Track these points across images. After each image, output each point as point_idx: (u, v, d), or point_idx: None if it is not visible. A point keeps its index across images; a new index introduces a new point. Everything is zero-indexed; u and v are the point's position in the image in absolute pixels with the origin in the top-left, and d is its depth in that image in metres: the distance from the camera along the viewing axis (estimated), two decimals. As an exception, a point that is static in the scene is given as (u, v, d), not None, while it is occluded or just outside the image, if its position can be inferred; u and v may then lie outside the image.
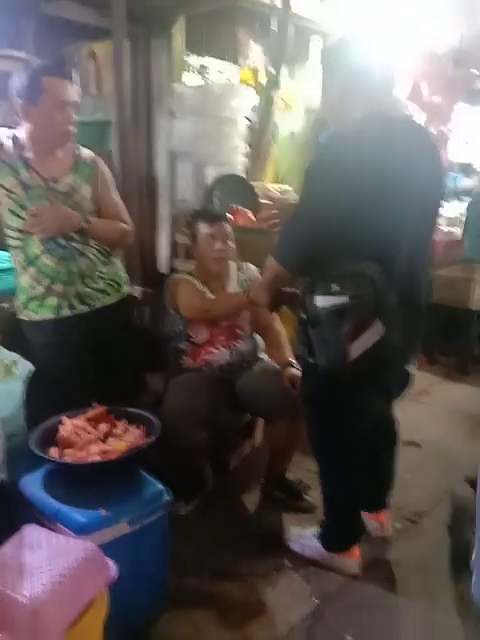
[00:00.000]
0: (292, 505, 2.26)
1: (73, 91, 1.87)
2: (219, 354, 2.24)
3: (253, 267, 2.35)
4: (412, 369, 1.76)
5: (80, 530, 1.42)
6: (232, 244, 2.24)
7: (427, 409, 3.27)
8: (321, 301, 1.48)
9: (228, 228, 2.23)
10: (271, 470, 2.31)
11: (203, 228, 2.18)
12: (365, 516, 2.06)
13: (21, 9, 2.62)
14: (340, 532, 1.90)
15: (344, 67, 1.57)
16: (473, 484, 1.80)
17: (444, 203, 4.67)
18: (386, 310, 1.51)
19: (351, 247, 1.48)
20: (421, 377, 3.70)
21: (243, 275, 2.35)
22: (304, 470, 2.34)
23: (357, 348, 1.48)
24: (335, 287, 1.47)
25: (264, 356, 2.37)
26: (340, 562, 1.87)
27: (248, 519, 2.22)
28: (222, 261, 2.22)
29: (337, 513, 1.88)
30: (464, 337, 3.85)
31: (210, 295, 2.20)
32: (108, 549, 1.40)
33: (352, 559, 1.88)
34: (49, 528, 1.44)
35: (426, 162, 1.58)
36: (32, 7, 2.65)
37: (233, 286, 2.29)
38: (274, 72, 3.03)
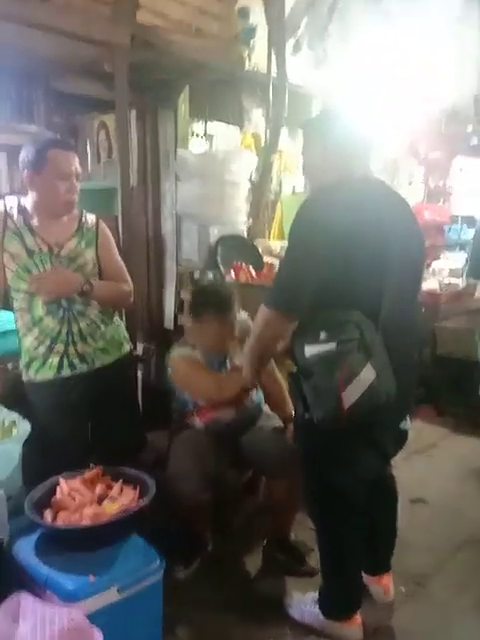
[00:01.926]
0: (294, 569, 2.21)
1: (76, 162, 1.97)
2: (226, 412, 2.23)
3: (245, 316, 2.32)
4: (406, 426, 1.75)
5: (68, 597, 1.41)
6: (236, 329, 2.19)
7: (435, 464, 3.21)
8: (309, 351, 1.52)
9: (234, 313, 2.18)
10: (274, 529, 2.27)
11: (212, 317, 2.11)
12: (367, 579, 2.01)
13: (32, 85, 2.80)
14: (339, 598, 1.84)
15: (325, 138, 1.67)
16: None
17: (447, 254, 4.74)
18: (375, 353, 1.52)
19: (336, 300, 1.54)
20: (430, 430, 3.66)
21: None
22: (307, 530, 2.29)
23: (351, 395, 1.48)
24: (322, 335, 1.51)
25: (265, 408, 2.38)
26: (340, 630, 1.81)
27: (248, 583, 2.16)
28: (225, 349, 2.23)
29: (336, 577, 1.84)
30: (473, 389, 3.80)
31: (220, 376, 2.18)
32: (96, 617, 1.39)
33: (353, 627, 1.82)
34: (39, 595, 1.44)
35: (401, 221, 1.64)
36: (42, 83, 2.83)
37: (237, 358, 2.24)
38: (272, 136, 3.16)
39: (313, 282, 1.53)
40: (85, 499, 1.68)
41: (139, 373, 2.84)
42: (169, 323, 3.44)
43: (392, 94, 3.11)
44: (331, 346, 1.48)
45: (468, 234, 5.28)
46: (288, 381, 1.70)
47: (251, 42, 3.05)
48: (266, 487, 2.38)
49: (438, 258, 4.58)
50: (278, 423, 2.26)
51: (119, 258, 2.18)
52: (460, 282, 4.10)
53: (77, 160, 1.99)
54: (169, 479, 2.04)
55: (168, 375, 2.24)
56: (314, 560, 2.16)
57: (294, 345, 1.59)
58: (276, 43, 3.02)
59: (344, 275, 1.52)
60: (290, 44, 3.10)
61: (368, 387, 1.49)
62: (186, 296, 2.48)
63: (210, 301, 2.15)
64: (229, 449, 2.21)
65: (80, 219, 2.08)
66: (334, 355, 1.48)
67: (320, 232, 1.50)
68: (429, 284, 4.03)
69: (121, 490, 1.75)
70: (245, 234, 3.33)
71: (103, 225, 2.14)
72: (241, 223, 3.31)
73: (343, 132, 1.65)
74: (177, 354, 2.21)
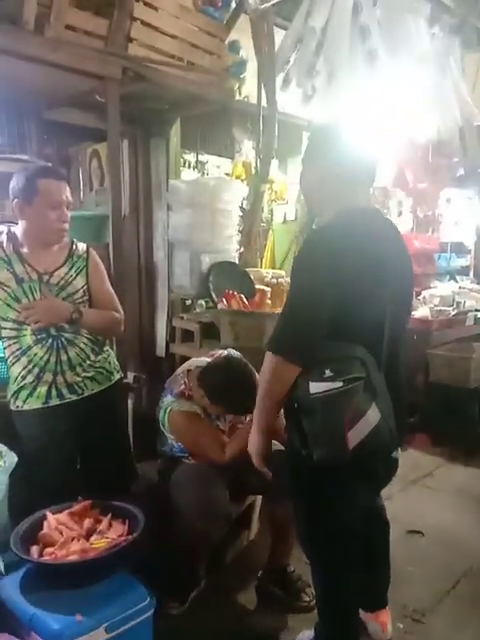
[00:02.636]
0: (291, 604, 2.14)
1: (66, 191, 1.98)
2: None
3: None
4: (396, 454, 1.71)
5: (54, 639, 1.35)
6: None
7: (431, 494, 3.16)
8: (314, 388, 1.44)
9: None
10: (272, 558, 2.22)
11: (228, 410, 2.09)
12: (365, 617, 1.94)
13: (24, 115, 2.83)
14: (336, 636, 1.77)
15: (329, 159, 1.60)
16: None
17: (437, 283, 4.78)
18: (380, 393, 1.49)
19: (341, 332, 1.49)
20: (425, 459, 3.63)
21: None
22: (302, 563, 2.23)
23: (357, 435, 1.44)
24: (328, 372, 1.44)
25: None
26: (338, 670, 1.75)
27: (242, 619, 2.09)
28: None
29: (333, 615, 1.76)
30: (467, 416, 3.79)
31: (221, 437, 2.12)
32: (83, 659, 1.33)
33: (351, 666, 1.75)
34: (22, 636, 1.38)
35: (396, 250, 1.63)
36: (34, 114, 2.86)
37: None
38: (262, 166, 3.20)
39: (322, 323, 1.46)
40: (72, 534, 1.63)
41: (130, 402, 2.80)
42: (161, 351, 3.42)
43: (378, 125, 3.16)
44: (337, 385, 1.42)
45: (457, 262, 5.36)
46: (285, 416, 1.62)
47: (241, 75, 3.11)
48: (266, 512, 2.31)
49: (429, 286, 4.61)
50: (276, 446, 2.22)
51: (109, 286, 2.17)
52: (451, 309, 4.12)
53: (68, 189, 1.99)
54: (183, 513, 1.96)
55: (162, 424, 2.14)
56: (310, 595, 2.11)
57: (297, 380, 1.50)
58: (265, 77, 3.09)
59: (349, 310, 1.48)
60: (280, 78, 3.16)
61: (373, 428, 1.45)
62: (207, 367, 2.13)
63: (233, 402, 2.02)
64: (228, 480, 2.16)
65: (71, 247, 2.08)
66: (340, 394, 1.42)
67: (327, 270, 1.45)
68: (420, 312, 4.05)
69: (110, 524, 1.70)
70: (237, 262, 3.34)
71: (93, 253, 2.13)
72: (233, 251, 3.33)
73: (345, 159, 1.59)
74: (177, 409, 2.09)
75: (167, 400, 2.13)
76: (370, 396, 1.46)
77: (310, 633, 1.85)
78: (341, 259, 1.46)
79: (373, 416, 1.46)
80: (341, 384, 1.43)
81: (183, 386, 2.14)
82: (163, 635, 1.60)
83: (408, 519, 2.75)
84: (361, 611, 1.91)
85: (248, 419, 2.06)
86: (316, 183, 1.65)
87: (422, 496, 3.11)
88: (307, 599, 2.13)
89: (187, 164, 3.79)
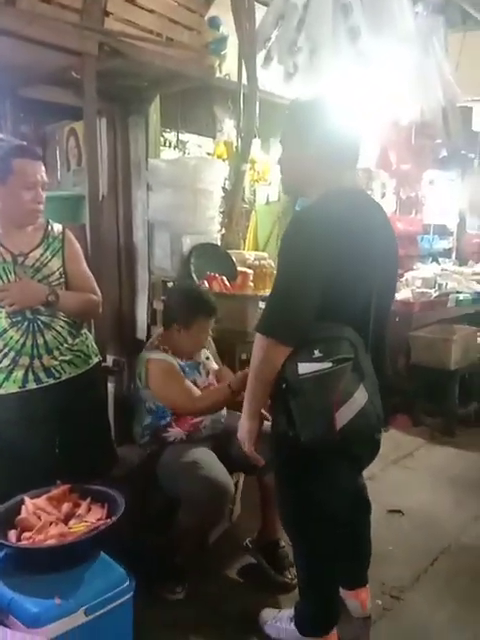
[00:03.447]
0: (272, 578, 2.17)
1: (42, 171, 1.93)
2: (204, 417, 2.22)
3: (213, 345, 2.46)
4: (380, 435, 1.72)
5: (32, 622, 1.34)
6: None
7: (411, 474, 3.20)
8: (303, 368, 1.43)
9: None
10: (264, 530, 2.27)
11: (204, 322, 2.21)
12: (344, 594, 1.97)
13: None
14: (317, 615, 1.79)
15: (315, 138, 1.54)
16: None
17: (419, 265, 4.81)
18: (367, 374, 1.49)
19: (330, 313, 1.48)
20: (406, 440, 3.67)
21: (210, 350, 2.42)
22: (289, 545, 2.25)
23: (344, 416, 1.44)
24: (317, 353, 1.43)
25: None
26: (317, 647, 1.77)
27: (223, 600, 2.10)
28: (203, 348, 2.34)
29: (314, 594, 1.78)
30: (447, 398, 3.83)
31: (195, 390, 2.17)
32: (62, 642, 1.32)
33: (330, 644, 1.77)
34: (1, 621, 1.37)
35: (383, 231, 1.62)
36: (9, 90, 2.77)
37: (202, 354, 2.35)
38: (243, 146, 3.15)
39: (313, 303, 1.45)
40: (51, 518, 1.61)
41: (110, 386, 2.78)
42: (142, 333, 3.38)
43: (362, 106, 3.12)
44: (326, 365, 1.41)
45: (440, 244, 5.39)
46: (271, 397, 1.60)
47: (222, 52, 3.04)
48: (258, 487, 2.30)
49: (411, 268, 4.63)
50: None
51: (86, 268, 2.13)
52: (433, 291, 4.14)
53: (43, 169, 1.94)
54: (190, 495, 1.97)
55: (139, 377, 2.20)
56: (294, 574, 2.12)
57: (285, 361, 1.49)
58: (246, 54, 3.02)
59: (338, 290, 1.46)
60: (261, 55, 3.10)
61: (360, 409, 1.45)
62: (165, 301, 2.42)
63: (202, 307, 2.21)
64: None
65: (46, 228, 2.03)
66: (329, 375, 1.42)
67: (317, 249, 1.43)
68: (402, 294, 4.07)
69: (89, 508, 1.68)
70: (219, 244, 3.31)
71: (69, 234, 2.09)
72: (214, 232, 3.28)
73: (331, 138, 1.55)
74: (154, 357, 2.18)
75: (144, 354, 2.22)
76: (358, 377, 1.46)
77: (290, 612, 1.87)
78: (330, 239, 1.44)
79: (360, 397, 1.46)
80: (330, 365, 1.42)
81: (158, 342, 2.25)
82: (146, 615, 1.60)
83: (389, 499, 2.78)
84: (341, 589, 1.93)
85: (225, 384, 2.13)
86: (299, 163, 1.61)
87: (403, 476, 3.16)
88: (290, 576, 2.15)
89: (168, 143, 3.72)
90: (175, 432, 2.19)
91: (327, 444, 1.47)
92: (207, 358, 2.38)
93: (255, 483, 2.30)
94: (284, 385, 1.48)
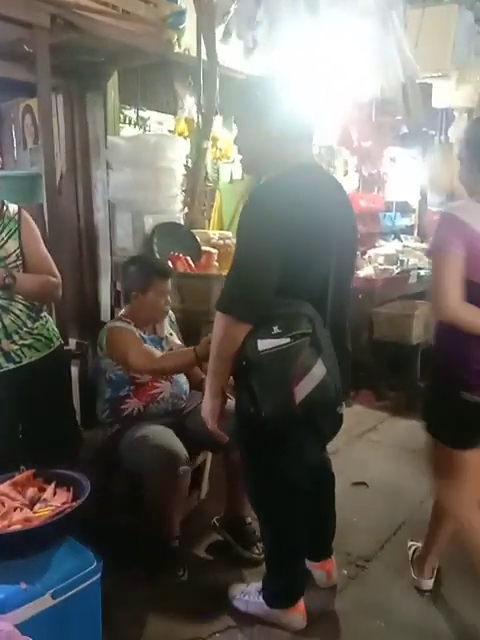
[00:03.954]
0: (239, 554, 2.21)
1: None
2: (163, 387, 2.25)
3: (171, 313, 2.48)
4: (341, 409, 1.75)
5: (-2, 608, 1.33)
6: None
7: (375, 447, 3.28)
8: (262, 344, 1.46)
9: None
10: (230, 508, 2.29)
11: (160, 284, 2.24)
12: (310, 565, 2.02)
13: None
14: (283, 586, 1.83)
15: (271, 117, 1.55)
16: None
17: (382, 242, 4.86)
18: (325, 348, 1.51)
19: (288, 289, 1.49)
20: (369, 414, 3.75)
21: (173, 328, 2.44)
22: (256, 521, 2.28)
23: (303, 390, 1.46)
24: (276, 329, 1.45)
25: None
26: (284, 618, 1.81)
27: (192, 578, 2.12)
28: (166, 313, 2.33)
29: (280, 566, 1.83)
30: (410, 372, 3.92)
31: (155, 351, 2.18)
32: (29, 626, 1.32)
33: (297, 614, 1.82)
34: (-35, 608, 1.35)
35: (340, 208, 1.63)
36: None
37: (165, 329, 2.38)
38: (204, 122, 3.10)
39: (271, 280, 1.45)
40: (15, 503, 1.59)
41: (74, 369, 2.74)
42: (105, 316, 3.33)
43: (322, 83, 3.11)
44: (285, 341, 1.44)
45: (402, 221, 5.45)
46: (233, 374, 1.62)
47: (180, 25, 2.96)
48: (224, 464, 2.32)
49: (374, 245, 4.68)
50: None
51: (44, 249, 2.08)
52: (395, 268, 4.20)
53: None
54: (146, 467, 2.00)
55: (100, 346, 2.23)
56: (261, 549, 2.16)
57: (245, 337, 1.50)
58: (205, 28, 2.96)
59: (296, 266, 1.48)
60: (220, 30, 3.04)
61: (319, 382, 1.48)
62: (122, 274, 2.43)
63: (155, 268, 2.28)
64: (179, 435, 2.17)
65: (1, 209, 1.97)
66: (288, 350, 1.44)
67: (274, 225, 1.44)
68: (365, 271, 4.11)
69: (54, 492, 1.66)
70: (182, 223, 3.27)
71: (26, 215, 2.03)
72: (177, 211, 3.24)
73: (287, 115, 1.56)
74: (115, 325, 2.24)
75: (107, 325, 2.28)
76: (316, 352, 1.48)
77: (258, 585, 1.91)
78: (286, 215, 1.45)
79: (318, 371, 1.48)
80: (288, 340, 1.45)
81: (121, 315, 2.31)
82: (109, 599, 1.61)
83: (353, 472, 2.85)
84: (307, 560, 1.98)
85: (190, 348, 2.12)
86: (257, 142, 1.61)
87: (366, 449, 3.23)
88: (257, 552, 2.19)
89: (128, 120, 3.63)
90: (133, 403, 2.21)
91: (288, 418, 1.49)
92: (170, 334, 2.39)
93: (222, 462, 2.32)
94: (245, 362, 1.50)
